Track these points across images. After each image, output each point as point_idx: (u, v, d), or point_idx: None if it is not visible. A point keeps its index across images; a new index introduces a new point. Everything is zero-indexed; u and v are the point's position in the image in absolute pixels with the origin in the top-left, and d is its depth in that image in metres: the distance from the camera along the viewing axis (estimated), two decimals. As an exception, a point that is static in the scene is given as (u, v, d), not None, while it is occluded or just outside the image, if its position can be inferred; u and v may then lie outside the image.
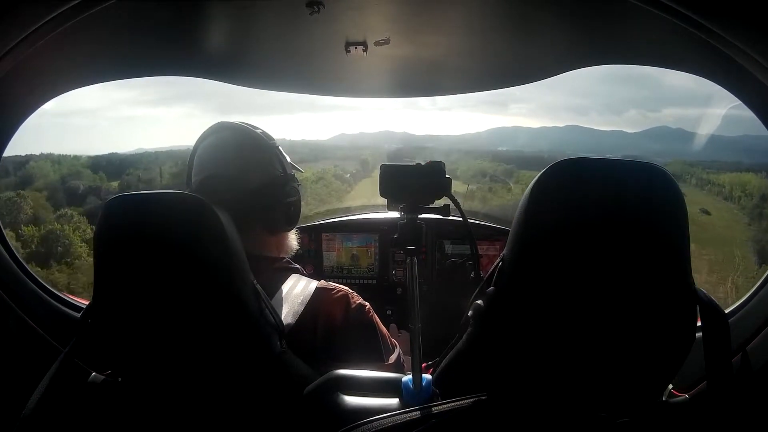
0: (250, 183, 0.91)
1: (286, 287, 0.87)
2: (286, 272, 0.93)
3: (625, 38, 1.07)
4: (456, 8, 0.97)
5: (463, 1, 0.94)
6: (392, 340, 0.98)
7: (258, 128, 0.96)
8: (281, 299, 0.85)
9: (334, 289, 0.91)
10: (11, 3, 0.63)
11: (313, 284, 0.90)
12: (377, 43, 1.10)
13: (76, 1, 0.64)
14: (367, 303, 0.94)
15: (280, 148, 0.97)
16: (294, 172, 1.00)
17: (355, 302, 0.91)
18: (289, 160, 0.99)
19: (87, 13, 0.68)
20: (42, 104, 1.04)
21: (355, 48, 1.11)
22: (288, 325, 0.80)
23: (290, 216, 0.96)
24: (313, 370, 0.78)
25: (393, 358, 0.93)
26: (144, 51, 1.13)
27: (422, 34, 1.11)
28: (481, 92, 1.60)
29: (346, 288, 0.94)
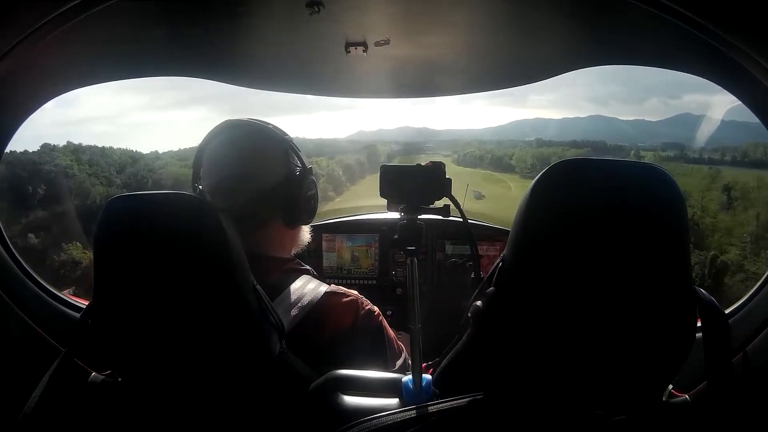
0: (269, 179, 0.89)
1: (294, 287, 0.87)
2: (296, 273, 0.92)
3: (625, 38, 1.07)
4: (456, 9, 0.97)
5: (464, 1, 0.94)
6: (399, 344, 0.98)
7: (269, 123, 0.95)
8: (288, 298, 0.84)
9: (344, 294, 0.91)
10: (11, 3, 0.63)
11: (323, 287, 0.90)
12: (377, 44, 1.10)
13: (77, 1, 0.64)
14: (376, 308, 0.93)
15: (293, 142, 0.96)
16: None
17: (364, 308, 0.91)
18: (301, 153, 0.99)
19: (87, 13, 0.68)
20: (42, 104, 1.04)
21: (355, 48, 1.11)
22: (294, 323, 0.80)
23: (310, 209, 0.97)
24: (315, 371, 0.78)
25: (399, 363, 0.92)
26: (144, 51, 1.13)
27: (422, 35, 1.11)
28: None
29: (356, 293, 0.93)
